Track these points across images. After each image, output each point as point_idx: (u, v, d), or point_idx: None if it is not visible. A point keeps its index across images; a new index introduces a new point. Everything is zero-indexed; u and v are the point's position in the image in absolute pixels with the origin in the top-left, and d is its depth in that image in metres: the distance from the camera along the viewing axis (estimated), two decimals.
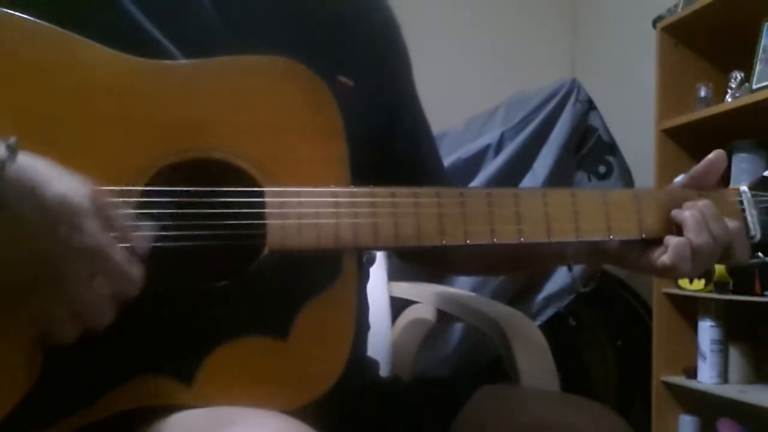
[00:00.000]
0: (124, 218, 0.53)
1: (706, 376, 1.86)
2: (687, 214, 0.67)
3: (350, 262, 0.61)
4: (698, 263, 0.67)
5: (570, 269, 0.75)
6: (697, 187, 0.71)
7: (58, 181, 0.49)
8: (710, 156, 0.71)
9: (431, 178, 0.85)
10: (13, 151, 0.47)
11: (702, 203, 0.67)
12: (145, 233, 0.54)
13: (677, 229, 0.68)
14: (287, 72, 0.61)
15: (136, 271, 0.51)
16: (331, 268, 0.60)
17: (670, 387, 1.97)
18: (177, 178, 0.57)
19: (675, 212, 0.68)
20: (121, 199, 0.54)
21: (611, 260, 0.73)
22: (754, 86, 1.77)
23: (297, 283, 0.59)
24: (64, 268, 0.48)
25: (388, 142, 0.80)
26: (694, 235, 0.66)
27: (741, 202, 0.71)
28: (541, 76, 2.35)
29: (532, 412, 0.70)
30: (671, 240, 0.67)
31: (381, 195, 0.61)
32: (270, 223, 0.58)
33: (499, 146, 2.07)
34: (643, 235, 0.68)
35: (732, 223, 0.68)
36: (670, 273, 0.68)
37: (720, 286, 1.78)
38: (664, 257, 0.67)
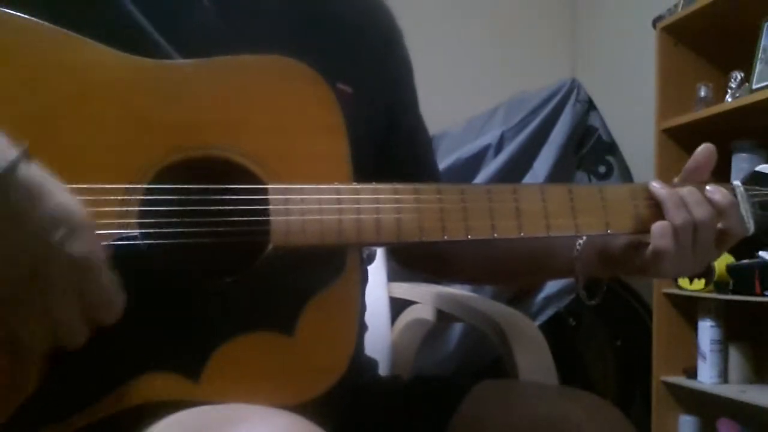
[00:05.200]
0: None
1: (706, 376, 1.86)
2: (663, 192, 0.67)
3: (353, 258, 0.62)
4: (686, 246, 0.66)
5: (577, 281, 0.75)
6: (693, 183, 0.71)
7: (62, 191, 0.49)
8: (697, 151, 0.71)
9: (427, 180, 0.85)
10: (26, 156, 0.48)
11: (685, 189, 0.67)
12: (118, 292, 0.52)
13: None
14: (288, 70, 0.62)
15: (119, 298, 0.51)
16: (335, 264, 0.61)
17: (670, 387, 1.97)
18: (180, 176, 0.57)
19: (654, 189, 0.68)
20: (125, 198, 0.55)
21: (618, 268, 0.73)
22: (754, 86, 1.77)
23: (302, 279, 0.59)
24: (52, 274, 0.48)
25: (387, 147, 0.80)
26: (673, 215, 0.66)
27: (734, 197, 0.71)
28: (541, 76, 2.35)
29: (529, 405, 0.70)
30: (654, 226, 0.67)
31: (383, 192, 0.61)
32: (274, 219, 0.58)
33: (499, 146, 2.07)
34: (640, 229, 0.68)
35: (720, 194, 0.67)
36: (662, 261, 0.67)
37: (720, 286, 1.78)
38: (650, 246, 0.67)
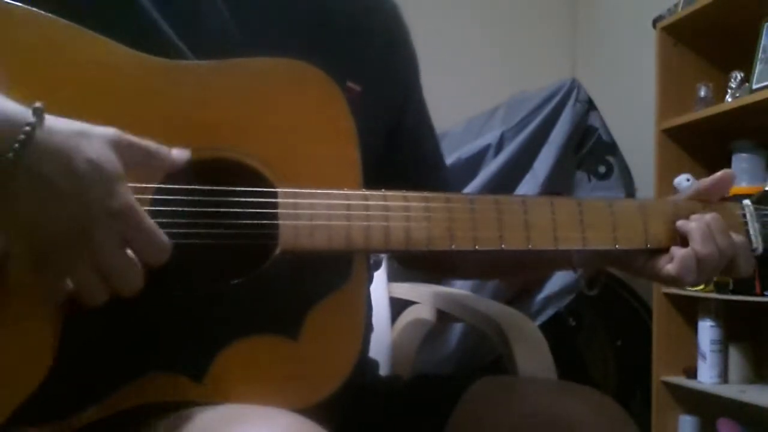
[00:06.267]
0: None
1: (706, 376, 1.86)
2: (693, 225, 0.68)
3: (361, 264, 0.62)
4: (703, 274, 0.68)
5: (575, 272, 0.75)
6: (702, 201, 0.72)
7: (88, 143, 0.49)
8: (719, 174, 0.72)
9: (432, 177, 0.85)
10: (40, 115, 0.48)
11: (710, 216, 0.68)
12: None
13: (682, 241, 0.69)
14: (301, 74, 0.62)
15: (164, 239, 0.52)
16: (341, 270, 0.61)
17: (670, 387, 1.98)
18: (190, 176, 0.57)
19: (680, 223, 0.69)
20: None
21: (617, 265, 0.74)
22: (754, 86, 1.77)
23: (308, 283, 0.60)
24: (94, 231, 0.49)
25: (392, 145, 0.80)
26: (700, 246, 0.67)
27: (744, 216, 0.72)
28: (541, 76, 2.35)
29: (529, 402, 0.70)
30: (677, 251, 0.68)
31: (393, 199, 0.61)
32: (282, 223, 0.58)
33: (499, 146, 2.07)
34: (648, 245, 0.69)
35: (737, 237, 0.69)
36: (675, 283, 0.69)
37: (720, 286, 1.78)
38: (669, 267, 0.68)
